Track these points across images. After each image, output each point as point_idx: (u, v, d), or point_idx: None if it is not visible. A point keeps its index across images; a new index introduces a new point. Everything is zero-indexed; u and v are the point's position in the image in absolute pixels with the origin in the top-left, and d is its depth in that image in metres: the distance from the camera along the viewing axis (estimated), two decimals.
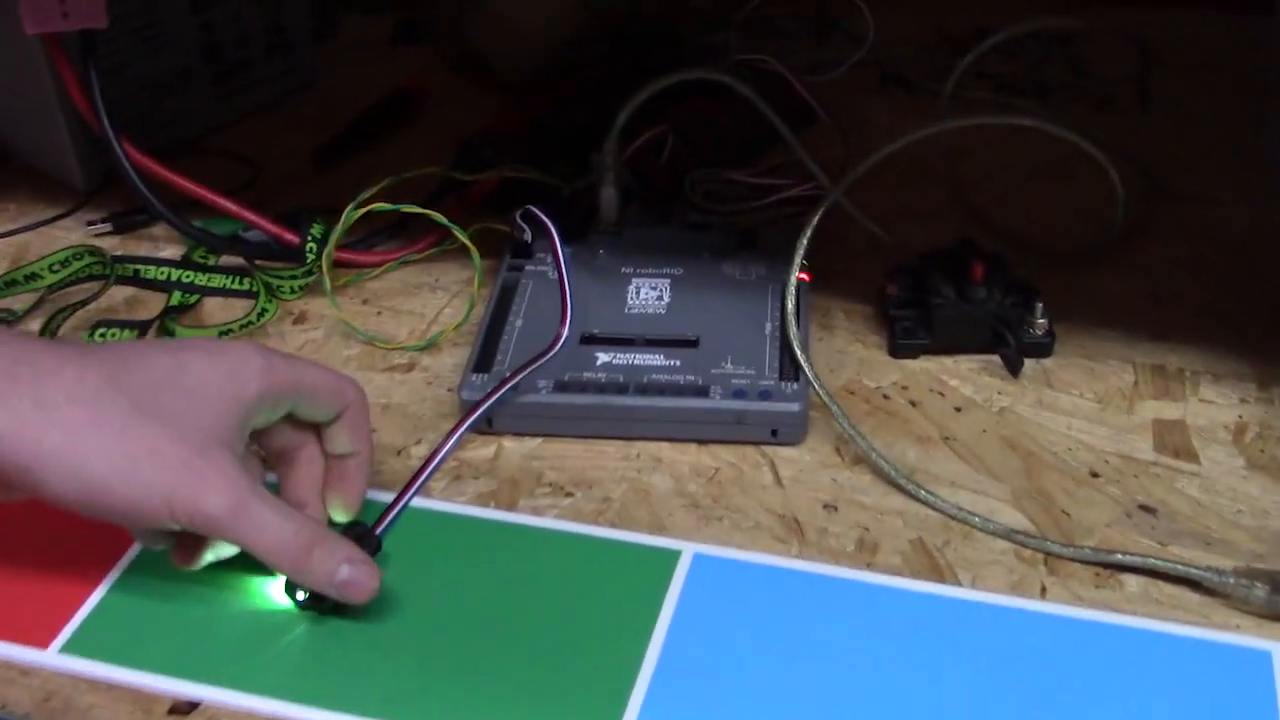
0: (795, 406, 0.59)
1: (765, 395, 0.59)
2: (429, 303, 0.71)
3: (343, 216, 0.68)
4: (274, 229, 0.72)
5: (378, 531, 0.53)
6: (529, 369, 0.59)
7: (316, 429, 0.54)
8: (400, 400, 0.64)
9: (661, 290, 0.67)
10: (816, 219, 0.64)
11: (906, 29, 0.98)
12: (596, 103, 0.80)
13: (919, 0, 1.01)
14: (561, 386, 0.60)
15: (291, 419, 0.54)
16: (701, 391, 0.60)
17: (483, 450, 0.61)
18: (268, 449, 0.55)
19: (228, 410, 0.50)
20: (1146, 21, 0.94)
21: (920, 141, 0.83)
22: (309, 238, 0.71)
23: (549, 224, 0.63)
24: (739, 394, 0.59)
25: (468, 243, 0.66)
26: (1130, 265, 0.71)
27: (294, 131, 0.88)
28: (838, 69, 0.88)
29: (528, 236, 0.69)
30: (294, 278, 0.71)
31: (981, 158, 0.81)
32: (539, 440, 0.61)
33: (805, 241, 0.64)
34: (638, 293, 0.66)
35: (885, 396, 0.63)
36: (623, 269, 0.68)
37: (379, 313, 0.70)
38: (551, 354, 0.60)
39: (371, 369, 0.66)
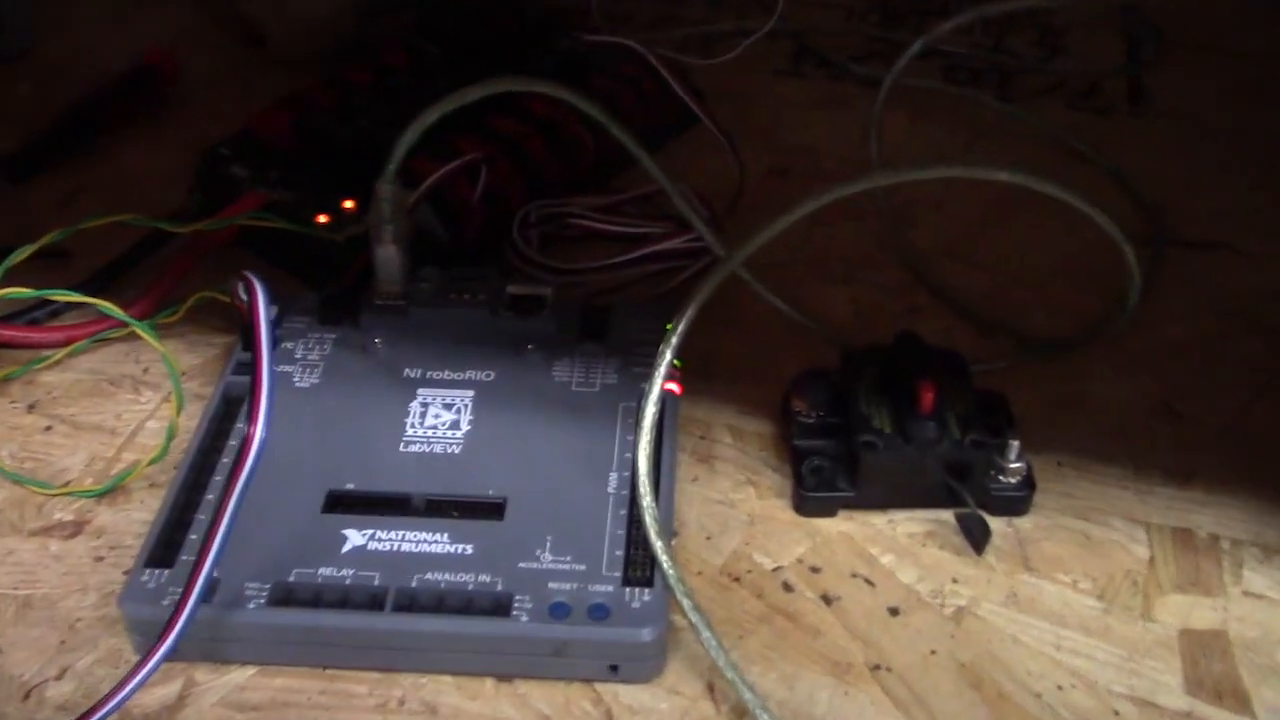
0: (645, 634, 0.38)
1: (599, 613, 0.38)
2: (128, 409, 0.48)
3: None
4: None
5: None
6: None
7: None
8: (50, 590, 0.42)
9: (459, 410, 0.45)
10: (696, 306, 0.43)
11: None
12: (396, 101, 0.57)
13: None
14: (284, 595, 0.38)
15: None
16: (501, 606, 0.38)
17: (161, 690, 0.39)
18: None
19: None
20: None
21: (845, 154, 0.63)
22: None
23: (257, 295, 0.41)
24: (558, 610, 0.38)
25: (153, 341, 0.43)
26: (1130, 352, 0.51)
27: None
28: (738, 44, 0.66)
29: None
30: None
31: (925, 181, 0.60)
32: (250, 671, 0.39)
33: (678, 339, 0.43)
34: (423, 415, 0.45)
35: (787, 587, 0.42)
36: (406, 371, 0.46)
37: (48, 428, 0.48)
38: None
39: (17, 531, 0.44)
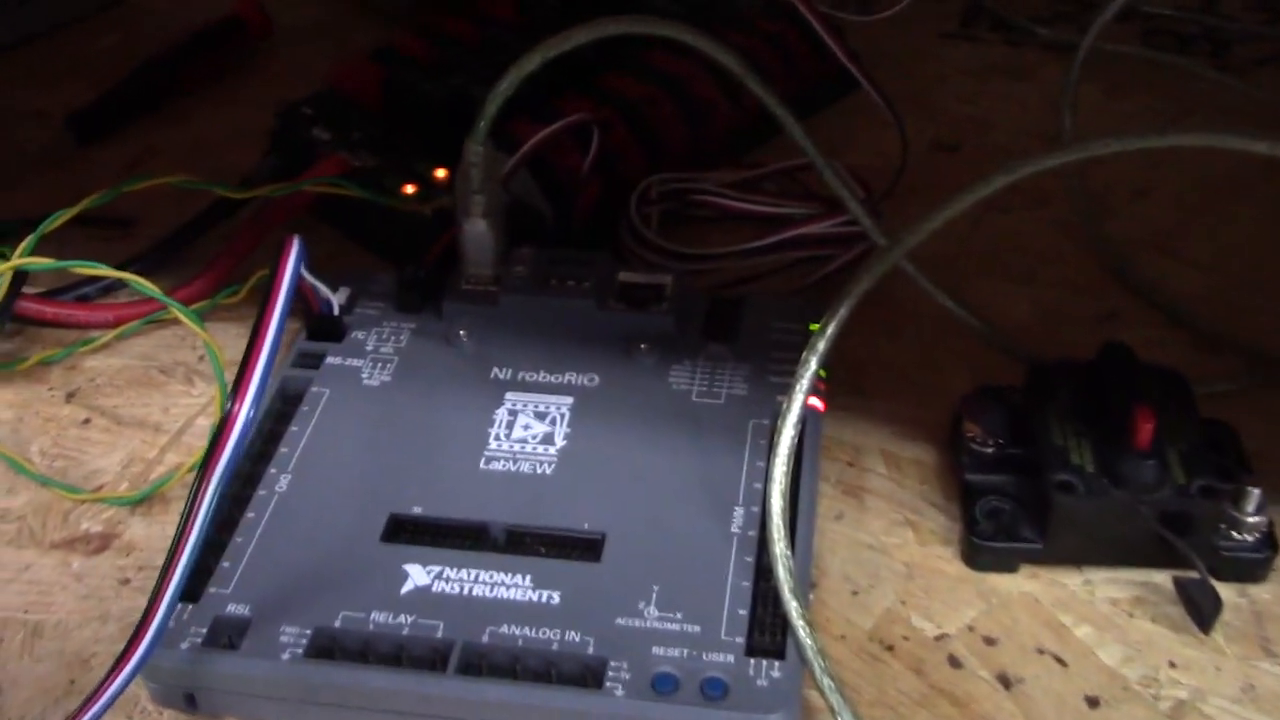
0: None
1: (715, 689, 0.30)
2: (177, 403, 0.42)
3: None
4: None
5: None
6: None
7: None
8: (66, 615, 0.35)
9: (554, 421, 0.37)
10: (851, 303, 0.34)
11: None
12: (499, 56, 0.50)
13: None
14: (326, 645, 0.31)
15: None
16: (591, 674, 0.30)
17: None
18: None
19: None
20: None
21: (1025, 128, 0.53)
22: None
23: (289, 252, 0.33)
24: (664, 684, 0.30)
25: (194, 325, 0.36)
26: None
27: (64, 78, 0.58)
28: (897, 1, 0.57)
29: (334, 301, 0.40)
30: None
31: (1128, 162, 0.50)
32: None
33: (826, 343, 0.34)
34: (510, 425, 0.37)
35: (954, 662, 0.33)
36: (493, 370, 0.39)
37: (86, 420, 0.41)
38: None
39: (36, 542, 0.37)
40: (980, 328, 0.41)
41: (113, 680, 0.29)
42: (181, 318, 0.36)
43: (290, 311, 0.33)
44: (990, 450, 0.37)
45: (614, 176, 0.46)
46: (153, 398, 0.42)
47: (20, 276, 0.41)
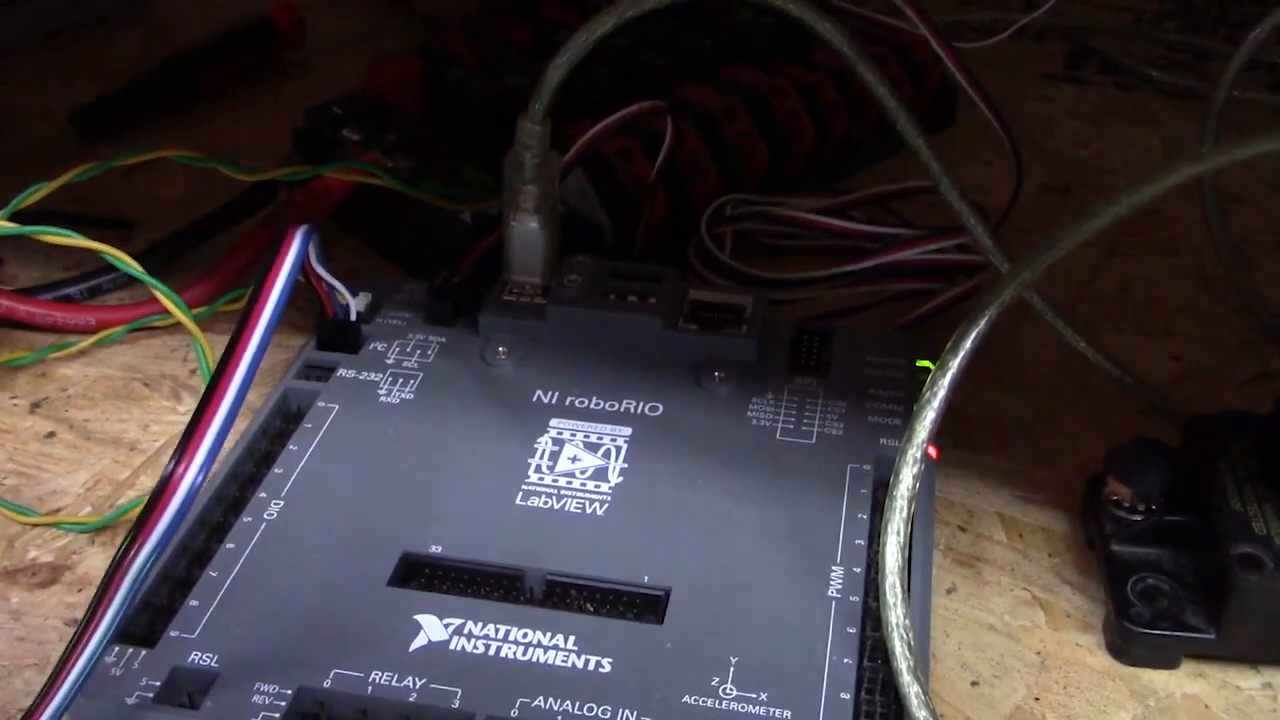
0: None
1: None
2: (159, 419, 0.36)
3: None
4: None
5: None
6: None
7: None
8: None
9: (609, 454, 0.30)
10: (986, 326, 0.28)
11: None
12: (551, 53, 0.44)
13: None
14: (310, 709, 0.24)
15: None
16: None
17: None
18: None
19: None
20: None
21: (1147, 173, 0.47)
22: None
23: (289, 246, 0.27)
24: None
25: (187, 320, 0.30)
26: None
27: (75, 77, 0.53)
28: (997, 33, 0.51)
29: (353, 306, 0.34)
30: None
31: (1267, 212, 0.44)
32: None
33: (951, 379, 0.27)
34: (555, 456, 0.30)
35: None
36: (536, 393, 0.32)
37: (50, 434, 0.35)
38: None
39: None
40: (1119, 377, 0.34)
41: None
42: (166, 303, 0.30)
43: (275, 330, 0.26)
44: (1142, 517, 0.30)
45: (683, 194, 0.40)
46: (131, 412, 0.36)
47: None
